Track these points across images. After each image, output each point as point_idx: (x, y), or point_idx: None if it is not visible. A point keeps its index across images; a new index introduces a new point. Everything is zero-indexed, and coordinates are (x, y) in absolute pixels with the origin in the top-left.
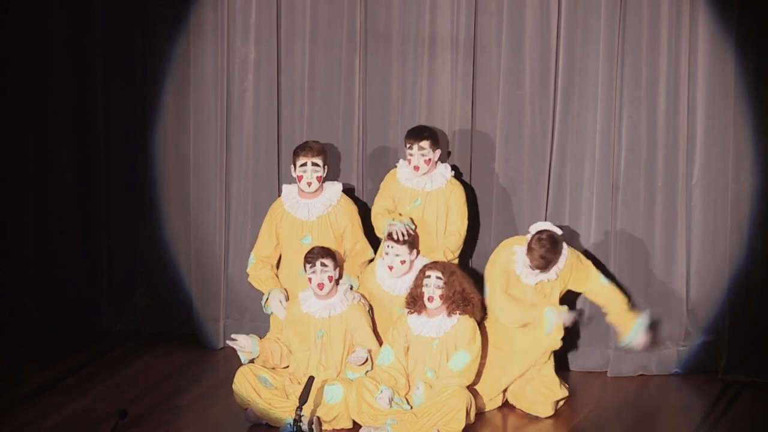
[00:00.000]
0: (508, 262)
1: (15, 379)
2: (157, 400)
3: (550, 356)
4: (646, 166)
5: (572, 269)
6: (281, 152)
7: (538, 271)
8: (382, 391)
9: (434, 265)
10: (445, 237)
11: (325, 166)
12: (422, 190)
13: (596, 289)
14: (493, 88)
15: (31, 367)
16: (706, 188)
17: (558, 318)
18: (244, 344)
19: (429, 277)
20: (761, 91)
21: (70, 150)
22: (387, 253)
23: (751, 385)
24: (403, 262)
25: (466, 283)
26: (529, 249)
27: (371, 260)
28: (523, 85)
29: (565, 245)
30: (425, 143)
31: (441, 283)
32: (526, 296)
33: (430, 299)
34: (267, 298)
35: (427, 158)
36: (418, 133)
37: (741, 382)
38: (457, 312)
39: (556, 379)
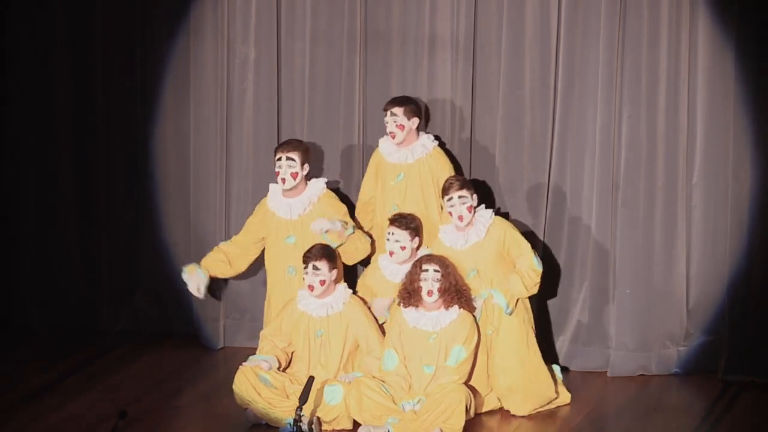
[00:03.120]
0: (438, 243)
1: (15, 379)
2: (157, 400)
3: (531, 350)
4: (646, 166)
5: (505, 232)
6: None
7: (461, 223)
8: (417, 398)
9: (430, 258)
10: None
11: (305, 164)
12: (404, 163)
13: (521, 259)
14: (493, 88)
15: (31, 367)
16: (706, 188)
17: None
18: (263, 366)
19: (426, 270)
20: (761, 91)
21: (70, 150)
22: (388, 239)
23: (751, 385)
24: (403, 248)
25: (458, 275)
26: (443, 189)
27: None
28: (523, 85)
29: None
30: (397, 109)
31: (439, 276)
32: (465, 267)
33: (430, 293)
34: (192, 268)
35: (400, 124)
36: (391, 100)
37: (741, 382)
38: (454, 305)
39: (547, 379)
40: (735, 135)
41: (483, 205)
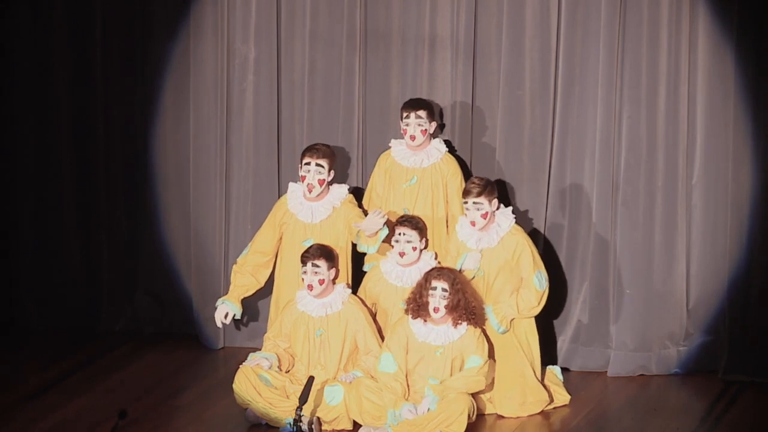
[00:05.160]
0: (455, 238)
1: (15, 379)
2: (157, 400)
3: (524, 354)
4: (646, 166)
5: (517, 245)
6: (281, 152)
7: (473, 228)
8: (403, 407)
9: (440, 274)
10: (449, 232)
11: (331, 171)
12: (419, 168)
13: (525, 281)
14: (493, 88)
15: (31, 367)
16: (706, 188)
17: (472, 263)
18: (264, 364)
19: (435, 288)
20: (761, 91)
21: (70, 150)
22: (397, 241)
23: (751, 385)
24: (414, 248)
25: (468, 290)
26: (463, 191)
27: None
28: (523, 85)
29: (516, 224)
30: (422, 112)
31: (447, 294)
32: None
33: (436, 310)
34: (222, 302)
35: (424, 128)
36: (415, 102)
37: (741, 382)
38: (463, 323)
39: (533, 382)
40: (735, 135)
41: (509, 208)
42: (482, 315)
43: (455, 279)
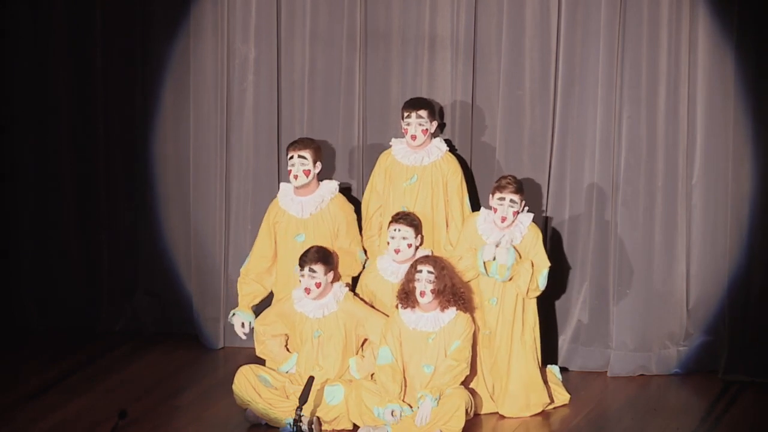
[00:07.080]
0: (472, 231)
1: (15, 379)
2: (157, 400)
3: (531, 355)
4: (646, 166)
5: (536, 243)
6: (281, 152)
7: (502, 224)
8: (387, 407)
9: (425, 259)
10: (449, 231)
11: (317, 162)
12: (419, 166)
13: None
14: (493, 88)
15: (31, 367)
16: (706, 188)
17: (488, 253)
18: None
19: (420, 271)
20: (761, 92)
21: (70, 150)
22: (393, 237)
23: (751, 385)
24: (409, 245)
25: (456, 277)
26: (498, 186)
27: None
28: (523, 85)
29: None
30: (423, 112)
31: (432, 277)
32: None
33: (422, 294)
34: (233, 314)
35: (425, 128)
36: (416, 102)
37: (741, 382)
38: (451, 307)
39: (541, 389)
40: (735, 135)
41: (526, 208)
42: (471, 300)
43: (442, 264)
